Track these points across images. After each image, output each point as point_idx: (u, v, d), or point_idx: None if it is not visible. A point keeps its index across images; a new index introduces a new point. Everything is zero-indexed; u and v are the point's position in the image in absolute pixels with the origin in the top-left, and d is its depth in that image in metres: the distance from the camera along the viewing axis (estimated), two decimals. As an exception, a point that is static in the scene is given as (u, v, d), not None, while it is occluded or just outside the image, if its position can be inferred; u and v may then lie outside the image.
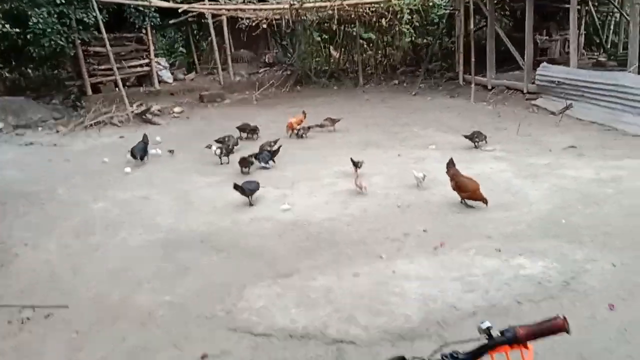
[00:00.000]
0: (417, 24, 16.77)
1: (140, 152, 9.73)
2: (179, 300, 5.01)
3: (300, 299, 4.82)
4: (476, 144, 9.11)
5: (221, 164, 9.40)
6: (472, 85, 13.53)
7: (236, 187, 7.41)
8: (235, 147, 9.90)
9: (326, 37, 20.64)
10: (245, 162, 8.87)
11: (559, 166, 7.96)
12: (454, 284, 4.87)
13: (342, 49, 20.72)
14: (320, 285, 5.03)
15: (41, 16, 12.34)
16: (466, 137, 9.20)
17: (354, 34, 18.95)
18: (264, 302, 4.81)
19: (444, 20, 16.62)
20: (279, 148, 9.12)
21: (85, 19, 13.25)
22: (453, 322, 4.30)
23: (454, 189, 6.74)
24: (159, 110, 14.61)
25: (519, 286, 4.74)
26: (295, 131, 11.08)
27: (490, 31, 13.57)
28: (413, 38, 18.24)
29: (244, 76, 18.82)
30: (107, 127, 13.41)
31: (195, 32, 20.40)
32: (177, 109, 15.02)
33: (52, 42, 12.75)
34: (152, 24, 15.76)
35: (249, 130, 11.38)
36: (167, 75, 17.71)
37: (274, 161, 9.09)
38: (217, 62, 17.65)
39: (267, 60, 20.19)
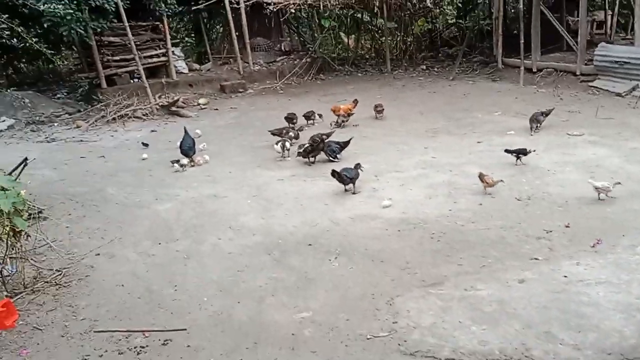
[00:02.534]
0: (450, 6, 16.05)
1: (191, 149, 8.82)
2: (320, 317, 4.23)
3: (473, 313, 4.08)
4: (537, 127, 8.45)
5: (283, 158, 8.55)
6: (522, 67, 12.85)
7: (334, 173, 6.65)
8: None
9: (335, 23, 19.83)
10: (312, 152, 8.08)
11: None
12: (649, 288, 4.18)
13: (357, 36, 19.89)
14: (488, 295, 4.29)
15: (59, 2, 11.25)
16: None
17: (365, 20, 18.24)
18: (431, 318, 4.05)
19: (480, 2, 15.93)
20: (349, 140, 8.30)
21: (105, 5, 12.18)
22: (680, 336, 3.60)
23: None
24: (183, 102, 13.64)
25: None
26: (340, 120, 10.23)
27: (536, 11, 12.89)
28: (453, 20, 17.47)
29: (263, 65, 17.87)
30: (131, 121, 12.41)
31: (205, 20, 19.32)
32: (202, 100, 14.06)
33: (72, 31, 11.67)
34: (170, 11, 14.71)
35: (306, 117, 10.72)
36: (182, 65, 16.66)
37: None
38: (236, 51, 16.67)
39: (283, 48, 19.21)
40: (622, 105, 9.97)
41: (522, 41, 12.61)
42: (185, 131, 9.24)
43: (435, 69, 16.30)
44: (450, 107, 11.09)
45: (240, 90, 15.64)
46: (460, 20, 18.85)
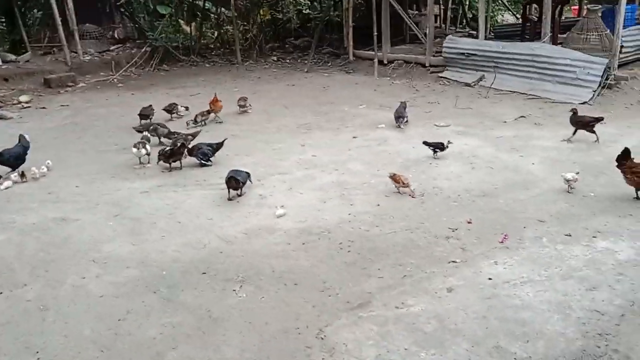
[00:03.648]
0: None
1: (18, 161, 7.17)
2: (240, 368, 3.45)
3: (415, 335, 3.66)
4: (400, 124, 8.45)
5: (142, 165, 7.34)
6: (376, 60, 13.00)
7: (231, 180, 5.89)
8: (167, 137, 7.96)
9: (171, 10, 18.36)
10: (174, 155, 7.07)
11: (528, 137, 7.82)
12: (570, 283, 4.17)
13: (199, 24, 18.64)
14: (423, 311, 3.91)
15: None
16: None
17: (203, 6, 17.23)
18: (374, 349, 3.53)
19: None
20: (223, 141, 7.40)
21: None
22: (616, 332, 3.59)
23: (630, 184, 5.58)
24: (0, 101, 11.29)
25: (635, 273, 4.24)
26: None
27: (385, 4, 13.14)
28: (307, 10, 17.12)
29: (94, 55, 15.72)
30: None
31: (19, 2, 16.36)
32: (23, 98, 11.77)
33: None
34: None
35: (168, 111, 9.61)
36: (-8, 57, 13.90)
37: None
38: (61, 39, 14.33)
39: (117, 35, 17.19)
40: (474, 95, 10.58)
41: (375, 33, 12.75)
42: (20, 139, 7.45)
43: (288, 61, 15.89)
44: (315, 101, 10.74)
45: (70, 84, 13.53)
46: (309, 10, 18.69)
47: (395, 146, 7.67)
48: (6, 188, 6.72)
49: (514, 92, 10.45)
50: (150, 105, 9.42)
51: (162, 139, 7.98)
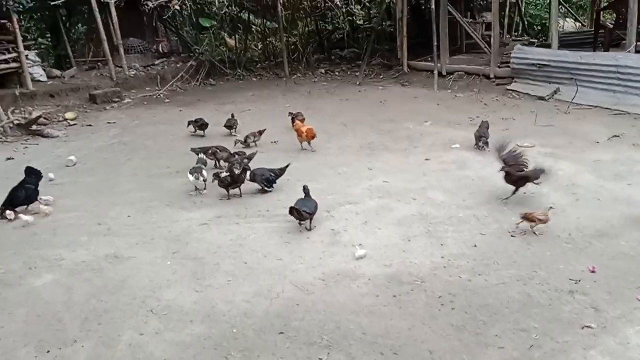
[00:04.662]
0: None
1: (29, 198, 6.39)
2: None
3: None
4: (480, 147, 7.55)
5: (199, 192, 6.70)
6: (436, 72, 12.16)
7: (293, 210, 5.18)
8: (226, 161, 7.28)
9: (214, 22, 17.96)
10: (234, 183, 6.41)
11: (631, 161, 6.84)
12: None
13: (244, 36, 18.18)
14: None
15: None
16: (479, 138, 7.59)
17: (248, 18, 16.77)
18: None
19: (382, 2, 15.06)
20: (286, 166, 6.71)
21: None
22: None
23: None
24: (45, 118, 10.95)
25: None
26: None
27: (443, 12, 12.33)
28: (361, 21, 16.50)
29: (139, 70, 15.41)
30: (-28, 146, 9.55)
31: (64, 17, 16.26)
32: (69, 115, 11.42)
33: None
34: (21, 6, 11.79)
35: (228, 127, 9.29)
36: (39, 72, 13.63)
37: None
38: (106, 53, 14.06)
39: (161, 49, 16.85)
40: (551, 110, 9.61)
41: (435, 43, 11.90)
42: (28, 172, 6.57)
43: (337, 73, 15.22)
44: (374, 118, 9.97)
45: (116, 99, 13.19)
46: (360, 22, 17.97)
47: (477, 171, 6.82)
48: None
49: (597, 106, 9.44)
50: (233, 114, 9.36)
51: (222, 163, 7.34)
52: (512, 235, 5.10)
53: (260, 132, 8.61)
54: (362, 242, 5.12)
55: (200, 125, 9.40)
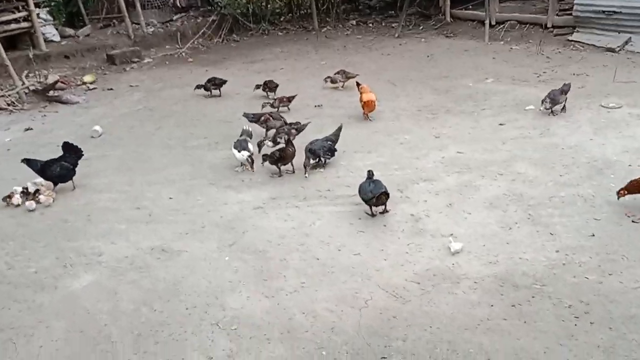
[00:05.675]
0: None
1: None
2: None
3: None
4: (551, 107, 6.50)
5: (242, 165, 5.88)
6: (487, 21, 10.98)
7: (382, 196, 4.42)
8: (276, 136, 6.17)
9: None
10: (284, 159, 5.58)
11: None
12: None
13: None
14: None
15: None
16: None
17: None
18: None
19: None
20: (340, 128, 5.89)
21: None
22: None
23: None
24: (63, 82, 10.09)
25: None
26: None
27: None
28: None
29: (158, 26, 14.36)
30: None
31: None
32: (88, 78, 10.55)
33: None
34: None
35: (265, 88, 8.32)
36: (51, 31, 12.69)
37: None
38: (122, 9, 13.00)
39: (179, 3, 15.70)
40: (626, 63, 8.49)
41: (483, -12, 10.67)
42: (66, 148, 5.74)
43: (370, 25, 14.01)
44: (424, 74, 8.96)
45: (135, 59, 12.27)
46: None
47: (566, 138, 5.90)
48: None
49: (680, 59, 8.34)
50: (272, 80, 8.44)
51: (269, 133, 6.47)
52: (633, 221, 4.25)
53: (289, 99, 7.62)
54: (454, 232, 4.31)
55: (217, 84, 8.61)
